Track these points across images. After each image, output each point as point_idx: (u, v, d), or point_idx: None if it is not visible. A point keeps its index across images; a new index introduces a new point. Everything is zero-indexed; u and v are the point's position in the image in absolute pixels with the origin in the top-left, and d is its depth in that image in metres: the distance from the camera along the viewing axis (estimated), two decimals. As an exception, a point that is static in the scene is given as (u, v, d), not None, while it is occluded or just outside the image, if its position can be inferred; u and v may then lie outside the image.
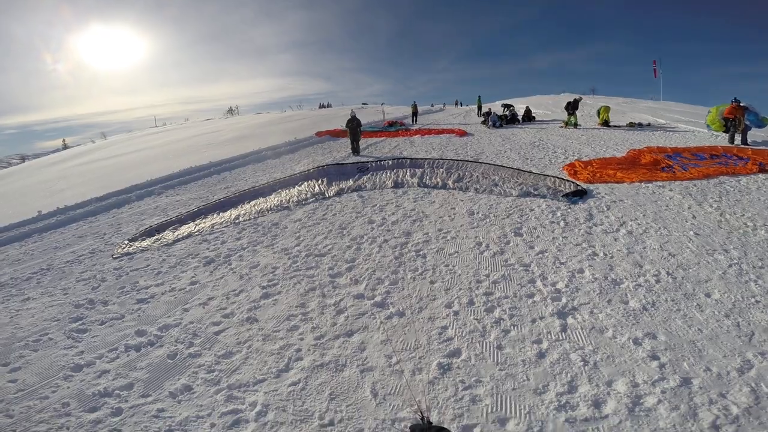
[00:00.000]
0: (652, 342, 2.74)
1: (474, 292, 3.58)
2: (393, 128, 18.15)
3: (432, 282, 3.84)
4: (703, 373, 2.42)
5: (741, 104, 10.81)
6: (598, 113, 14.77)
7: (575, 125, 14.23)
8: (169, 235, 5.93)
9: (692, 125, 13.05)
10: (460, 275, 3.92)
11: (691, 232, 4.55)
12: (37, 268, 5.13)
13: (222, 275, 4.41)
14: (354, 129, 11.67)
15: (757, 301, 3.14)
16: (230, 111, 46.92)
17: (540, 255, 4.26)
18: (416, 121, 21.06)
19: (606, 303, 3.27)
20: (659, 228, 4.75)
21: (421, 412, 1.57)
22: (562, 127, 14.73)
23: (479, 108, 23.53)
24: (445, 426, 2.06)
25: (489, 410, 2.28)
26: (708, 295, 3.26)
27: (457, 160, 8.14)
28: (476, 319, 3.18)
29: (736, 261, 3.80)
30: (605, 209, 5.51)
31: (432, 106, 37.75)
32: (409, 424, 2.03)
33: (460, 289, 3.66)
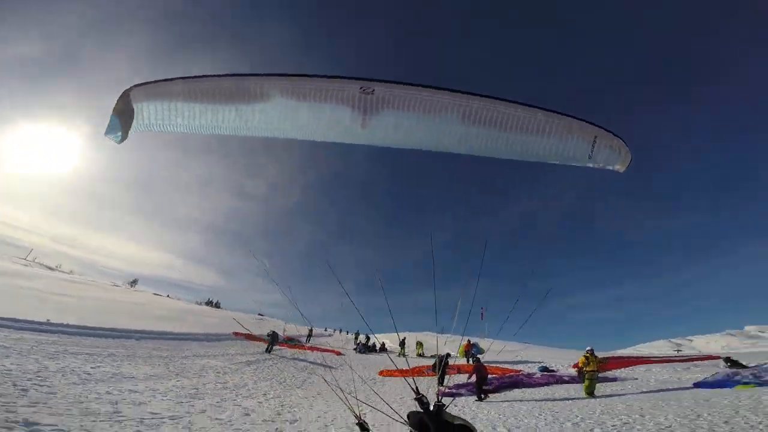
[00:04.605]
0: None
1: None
2: (291, 342, 24.80)
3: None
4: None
5: (470, 341, 21.63)
6: (416, 346, 24.63)
7: (404, 355, 23.51)
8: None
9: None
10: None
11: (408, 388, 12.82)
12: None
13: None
14: (273, 338, 19.31)
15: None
16: (133, 283, 52.62)
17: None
18: (309, 340, 28.45)
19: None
20: (398, 383, 12.96)
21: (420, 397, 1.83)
22: (396, 354, 23.81)
23: (356, 338, 32.56)
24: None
25: None
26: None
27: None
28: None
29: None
30: (382, 381, 13.59)
31: (325, 330, 44.97)
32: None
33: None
